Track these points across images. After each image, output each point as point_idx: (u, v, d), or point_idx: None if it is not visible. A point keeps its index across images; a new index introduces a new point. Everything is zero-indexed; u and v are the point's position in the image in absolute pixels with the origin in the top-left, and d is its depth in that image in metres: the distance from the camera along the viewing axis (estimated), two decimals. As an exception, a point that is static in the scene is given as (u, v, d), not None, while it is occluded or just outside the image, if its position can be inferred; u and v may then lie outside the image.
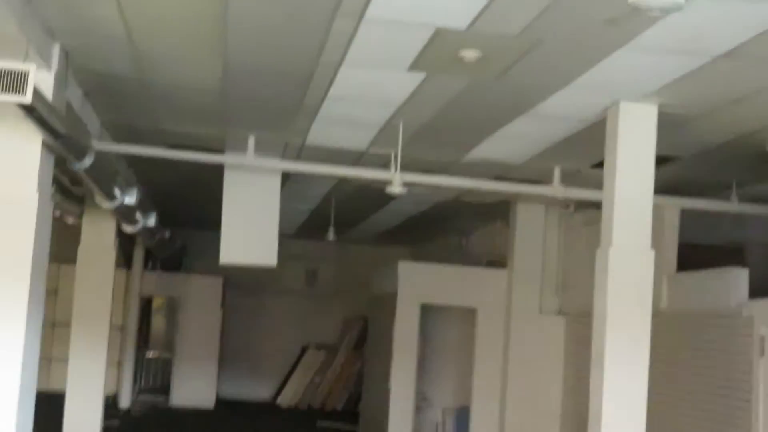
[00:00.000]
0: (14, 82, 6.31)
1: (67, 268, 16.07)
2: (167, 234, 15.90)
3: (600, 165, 8.38)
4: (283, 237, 12.41)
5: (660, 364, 7.99)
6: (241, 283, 20.07)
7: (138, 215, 12.20)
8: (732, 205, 10.33)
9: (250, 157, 10.01)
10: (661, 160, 8.36)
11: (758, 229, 11.09)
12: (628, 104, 7.77)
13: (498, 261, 14.26)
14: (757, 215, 10.43)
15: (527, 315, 13.24)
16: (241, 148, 10.11)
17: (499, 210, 13.78)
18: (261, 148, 10.14)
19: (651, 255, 7.80)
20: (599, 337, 7.78)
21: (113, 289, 13.07)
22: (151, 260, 19.19)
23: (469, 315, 13.85)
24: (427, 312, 14.10)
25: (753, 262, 10.38)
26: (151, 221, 13.10)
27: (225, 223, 11.22)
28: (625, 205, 7.85)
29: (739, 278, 9.21)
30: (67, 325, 13.09)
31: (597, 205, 8.84)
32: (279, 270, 13.50)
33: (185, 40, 7.03)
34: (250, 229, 11.29)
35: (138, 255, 18.39)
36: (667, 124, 7.91)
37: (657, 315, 7.83)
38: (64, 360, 12.95)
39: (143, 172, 12.12)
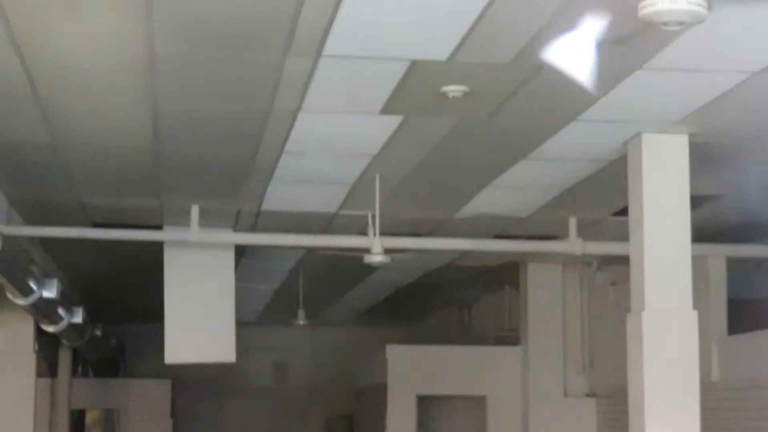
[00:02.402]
0: None
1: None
2: (99, 331, 15.82)
3: (624, 212, 8.42)
4: (243, 325, 12.36)
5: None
6: (195, 384, 19.94)
7: (61, 311, 12.15)
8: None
9: (194, 231, 10.04)
10: (697, 201, 8.39)
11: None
12: (652, 136, 7.81)
13: (509, 336, 14.22)
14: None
15: (549, 399, 13.27)
16: (184, 221, 10.12)
17: (507, 274, 13.78)
18: (207, 220, 10.16)
19: (694, 317, 7.79)
20: (637, 422, 7.74)
21: (36, 403, 12.94)
22: (81, 365, 19.05)
23: (478, 404, 13.79)
24: (426, 403, 14.04)
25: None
26: (78, 317, 13.04)
27: (169, 313, 11.20)
28: (658, 259, 7.85)
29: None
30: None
31: (625, 260, 8.88)
32: (240, 365, 13.43)
33: (105, 94, 7.05)
34: (200, 319, 11.26)
35: (64, 360, 18.25)
36: (701, 157, 7.96)
37: (706, 389, 7.82)
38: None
39: (65, 258, 12.10)
